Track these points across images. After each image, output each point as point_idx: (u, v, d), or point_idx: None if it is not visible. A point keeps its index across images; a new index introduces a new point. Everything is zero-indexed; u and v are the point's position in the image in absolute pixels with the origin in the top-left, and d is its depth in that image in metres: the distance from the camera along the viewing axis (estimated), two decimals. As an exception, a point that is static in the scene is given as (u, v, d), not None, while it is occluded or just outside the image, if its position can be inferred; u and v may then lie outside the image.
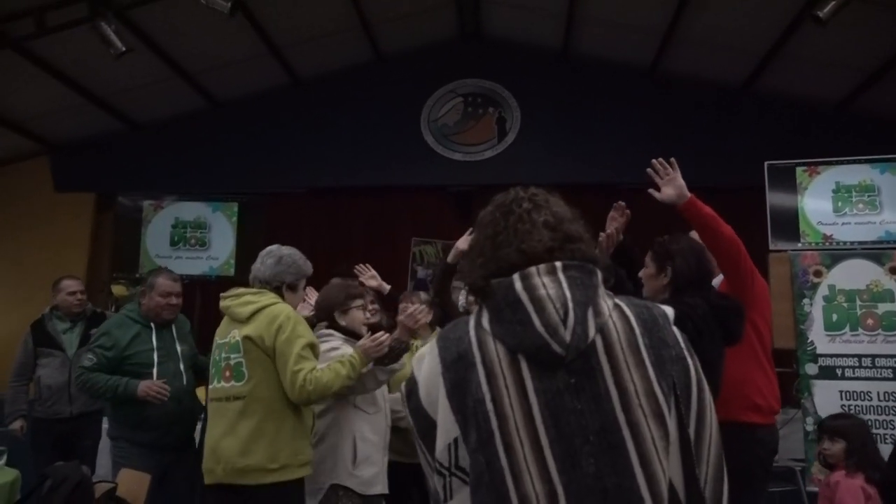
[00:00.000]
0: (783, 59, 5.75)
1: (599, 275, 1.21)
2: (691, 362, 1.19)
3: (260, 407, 2.56)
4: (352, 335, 2.87)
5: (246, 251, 6.43)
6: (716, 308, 2.34)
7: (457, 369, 1.17)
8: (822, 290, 4.36)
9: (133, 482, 2.92)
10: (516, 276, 1.18)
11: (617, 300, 1.22)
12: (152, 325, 3.40)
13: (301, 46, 6.37)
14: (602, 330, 1.16)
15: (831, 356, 4.26)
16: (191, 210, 6.84)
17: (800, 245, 4.66)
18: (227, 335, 2.69)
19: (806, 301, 4.34)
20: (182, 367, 3.41)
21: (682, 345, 1.20)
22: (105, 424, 4.33)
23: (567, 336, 1.13)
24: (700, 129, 6.34)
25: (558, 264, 1.19)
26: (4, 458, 3.09)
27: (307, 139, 6.76)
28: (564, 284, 1.17)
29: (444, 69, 6.86)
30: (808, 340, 4.26)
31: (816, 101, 6.18)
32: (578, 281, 1.18)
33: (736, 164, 5.92)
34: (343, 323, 2.92)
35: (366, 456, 2.74)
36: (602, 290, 1.20)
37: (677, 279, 2.50)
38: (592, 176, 6.41)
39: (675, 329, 1.22)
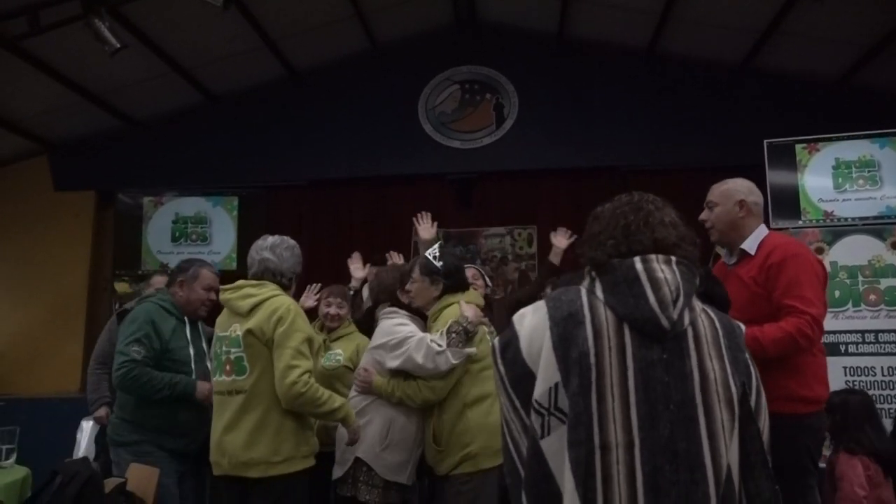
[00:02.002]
0: (781, 35, 5.71)
1: (697, 278, 1.44)
2: (754, 371, 1.43)
3: (262, 401, 2.57)
4: (415, 312, 3.02)
5: (247, 245, 6.38)
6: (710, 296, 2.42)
7: (566, 325, 1.37)
8: (824, 267, 4.36)
9: (143, 477, 2.94)
10: (637, 259, 1.41)
11: (704, 306, 1.45)
12: (186, 319, 3.16)
13: (296, 38, 6.34)
14: (693, 323, 1.38)
15: (834, 332, 4.28)
16: (191, 205, 6.84)
17: (801, 222, 4.66)
18: (228, 329, 2.70)
19: (808, 278, 4.34)
20: (209, 366, 3.16)
21: (748, 355, 1.44)
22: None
23: (675, 314, 1.35)
24: (699, 109, 6.32)
25: (673, 258, 1.42)
26: (14, 456, 3.11)
27: (305, 131, 6.75)
28: (677, 274, 1.39)
29: (441, 57, 6.84)
30: (812, 317, 4.27)
31: (815, 77, 6.15)
32: (686, 276, 1.40)
33: (735, 143, 5.90)
34: (406, 301, 3.05)
35: (395, 442, 2.80)
36: (695, 292, 1.44)
37: None
38: (592, 160, 6.40)
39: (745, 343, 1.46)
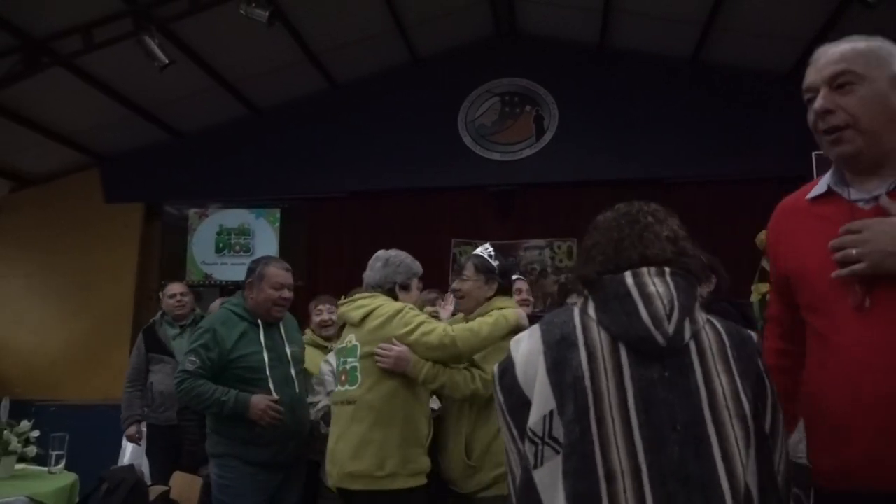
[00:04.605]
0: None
1: (698, 289, 1.34)
2: (769, 384, 1.31)
3: (369, 412, 2.53)
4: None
5: (289, 255, 6.54)
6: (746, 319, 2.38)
7: (559, 349, 1.29)
8: (876, 283, 4.21)
9: (186, 485, 2.99)
10: (628, 273, 1.31)
11: (709, 316, 1.35)
12: (259, 322, 2.96)
13: (338, 52, 6.44)
14: (696, 336, 1.29)
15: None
16: (234, 217, 6.98)
17: (851, 237, 4.50)
18: (345, 340, 2.71)
19: (859, 294, 4.20)
20: (293, 371, 2.99)
21: (763, 368, 1.32)
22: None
23: (670, 330, 1.25)
24: (743, 119, 6.20)
25: (667, 269, 1.32)
26: (63, 462, 3.19)
27: (346, 143, 6.83)
28: (671, 286, 1.29)
29: (481, 69, 6.86)
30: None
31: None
32: (682, 287, 1.30)
33: (781, 154, 5.77)
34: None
35: None
36: (698, 304, 1.33)
37: (717, 291, 2.56)
38: (633, 171, 6.33)
39: (758, 354, 1.33)
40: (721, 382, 1.25)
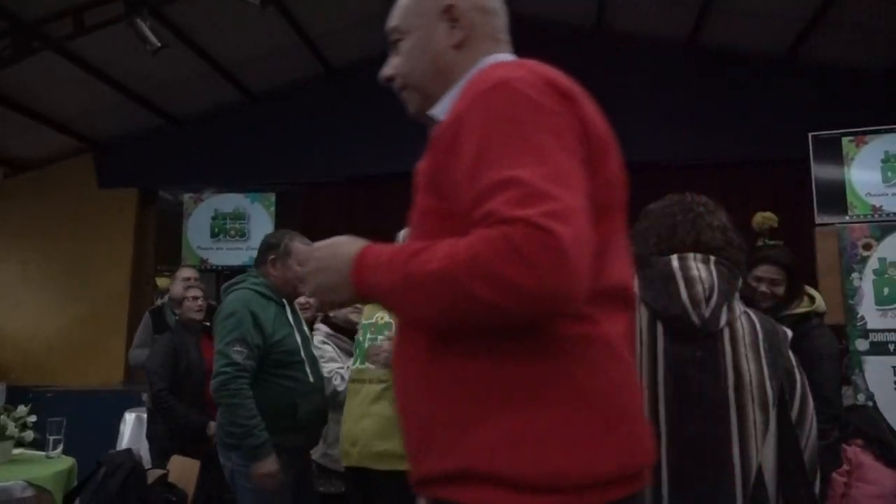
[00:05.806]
0: (826, 26, 5.55)
1: (739, 280, 1.42)
2: (799, 378, 1.40)
3: None
4: (341, 330, 3.07)
5: (285, 241, 6.53)
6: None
7: None
8: (872, 264, 4.23)
9: (184, 468, 2.99)
10: (674, 257, 1.41)
11: (746, 308, 1.44)
12: (285, 302, 2.75)
13: (334, 36, 6.38)
14: (731, 324, 1.36)
15: (882, 331, 4.14)
16: (230, 202, 6.95)
17: (847, 218, 4.52)
18: (374, 316, 2.63)
19: (855, 275, 4.22)
20: (314, 350, 2.83)
21: (794, 362, 1.41)
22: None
23: (706, 312, 1.34)
24: (741, 102, 6.17)
25: (712, 258, 1.41)
26: (61, 447, 3.19)
27: (342, 128, 6.79)
28: (714, 274, 1.38)
29: (476, 52, 6.80)
30: (859, 315, 4.15)
31: (862, 67, 5.96)
32: (725, 276, 1.39)
33: (779, 137, 5.76)
34: (332, 314, 3.09)
35: (335, 437, 2.81)
36: (737, 294, 1.42)
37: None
38: (630, 154, 6.07)
39: (789, 350, 1.43)
40: (749, 370, 1.33)
